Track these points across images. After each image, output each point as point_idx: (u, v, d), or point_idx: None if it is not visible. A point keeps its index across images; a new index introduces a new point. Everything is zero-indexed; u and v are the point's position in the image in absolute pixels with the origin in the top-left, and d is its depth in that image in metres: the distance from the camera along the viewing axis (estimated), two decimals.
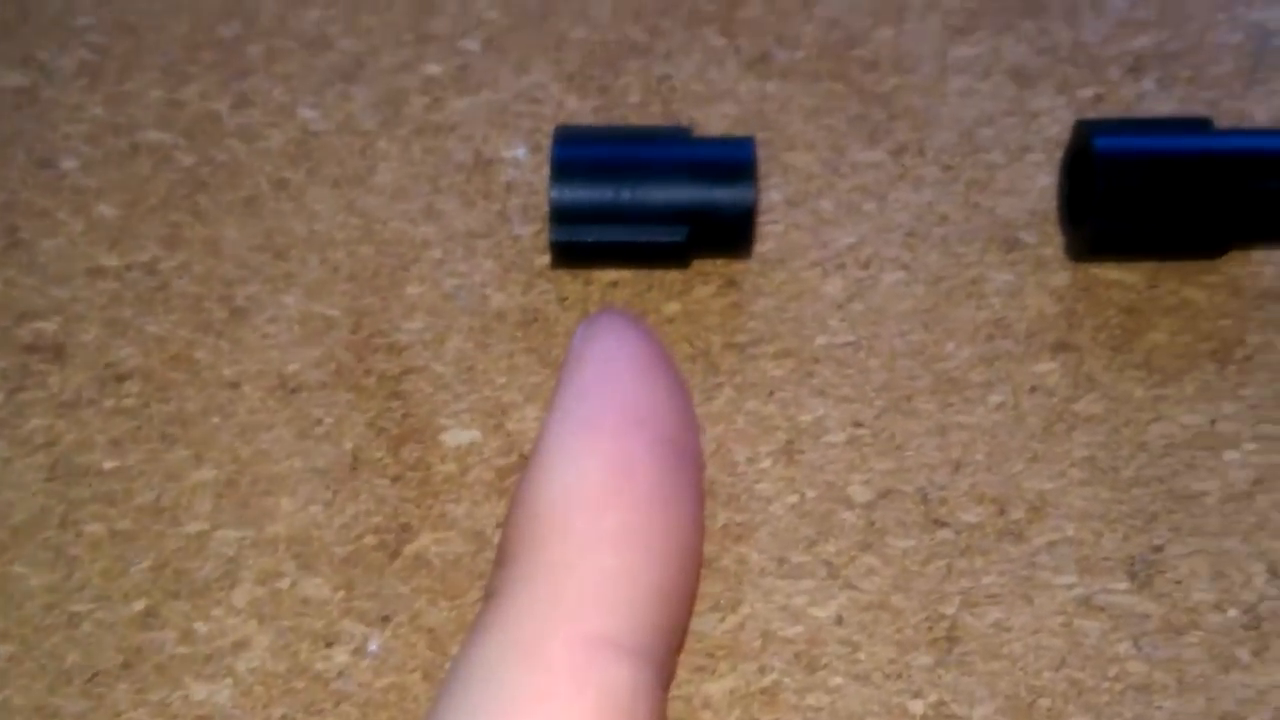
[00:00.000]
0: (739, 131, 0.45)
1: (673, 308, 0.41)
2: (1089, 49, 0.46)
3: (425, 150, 0.44)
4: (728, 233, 0.40)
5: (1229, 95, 0.45)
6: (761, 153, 0.44)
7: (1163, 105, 0.45)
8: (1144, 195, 0.40)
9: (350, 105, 0.45)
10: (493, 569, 0.29)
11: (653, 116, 0.45)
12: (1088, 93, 0.45)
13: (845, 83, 0.46)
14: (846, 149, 0.44)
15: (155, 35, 0.46)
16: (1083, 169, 0.41)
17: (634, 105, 0.45)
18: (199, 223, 0.43)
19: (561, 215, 0.40)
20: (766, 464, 0.39)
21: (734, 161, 0.40)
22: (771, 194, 0.43)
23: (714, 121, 0.45)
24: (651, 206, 0.40)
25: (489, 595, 0.28)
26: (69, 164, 0.44)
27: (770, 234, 0.43)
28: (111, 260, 0.42)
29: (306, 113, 0.45)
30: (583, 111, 0.45)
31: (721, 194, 0.40)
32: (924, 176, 0.44)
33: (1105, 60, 0.46)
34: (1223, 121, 0.44)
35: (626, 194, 0.40)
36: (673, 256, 0.41)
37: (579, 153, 0.40)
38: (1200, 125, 0.41)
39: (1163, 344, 0.40)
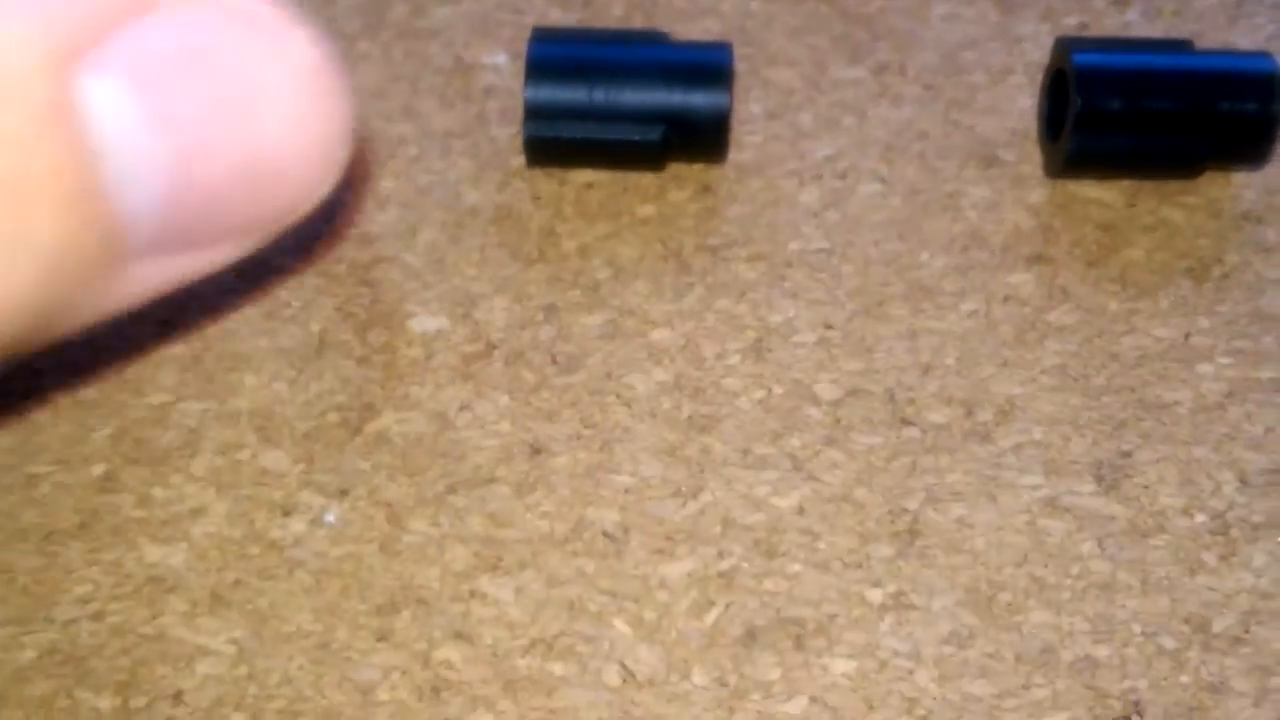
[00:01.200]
0: None
1: (647, 210, 0.41)
2: None
3: (406, 54, 0.44)
4: (703, 136, 0.40)
5: (1213, 27, 0.45)
6: (742, 67, 0.44)
7: (1147, 35, 0.45)
8: (1121, 113, 0.40)
9: (332, 9, 0.45)
10: None
11: (635, 25, 0.45)
12: (1072, 20, 0.45)
13: (829, 4, 0.46)
14: (828, 66, 0.44)
15: None
16: (1062, 86, 0.41)
17: (616, 19, 0.45)
18: None
19: (536, 112, 0.40)
20: (735, 360, 0.38)
21: (711, 65, 0.40)
22: (751, 106, 0.43)
23: (696, 37, 0.45)
24: (627, 107, 0.40)
25: None
26: None
27: (748, 144, 0.43)
28: None
29: None
30: (565, 22, 0.45)
31: (697, 97, 0.40)
32: (904, 95, 0.44)
33: None
34: None
35: (601, 94, 0.40)
36: (647, 157, 0.41)
37: (555, 51, 0.40)
38: (1180, 46, 0.41)
39: (1139, 260, 0.40)
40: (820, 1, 0.46)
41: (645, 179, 0.42)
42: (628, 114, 0.40)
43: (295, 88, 0.25)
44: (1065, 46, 0.41)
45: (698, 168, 0.42)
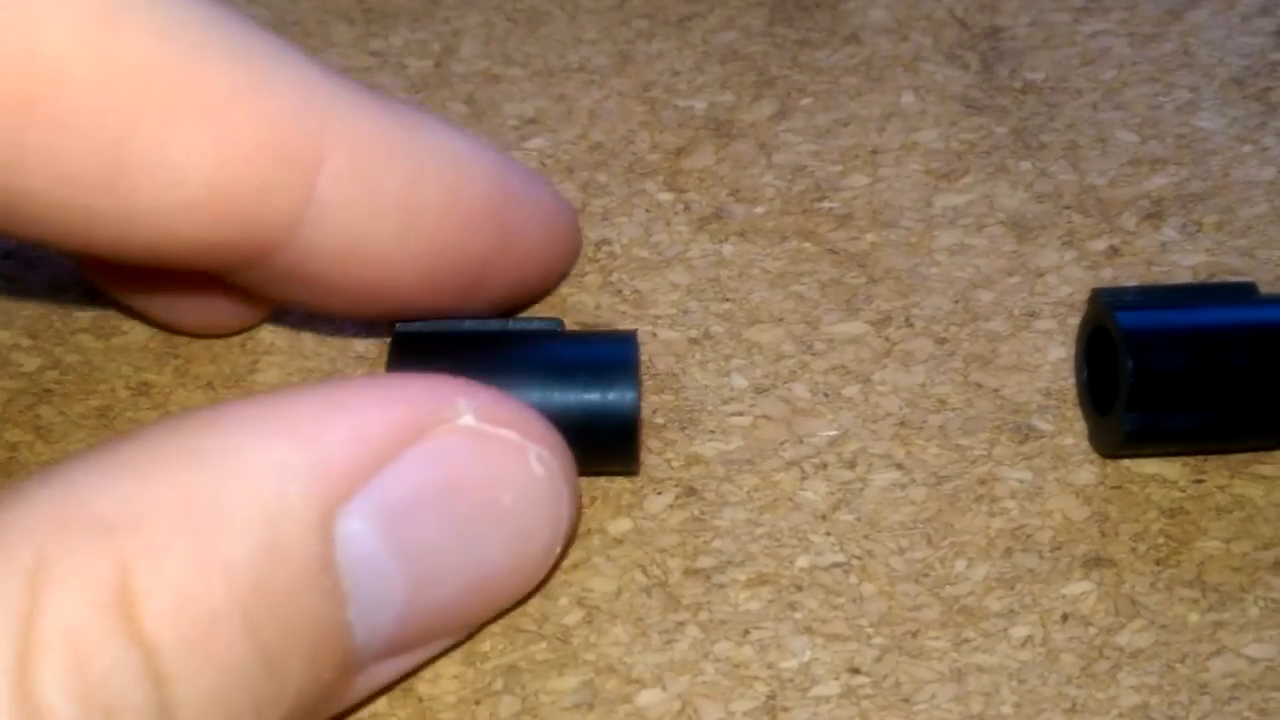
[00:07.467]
0: (692, 302, 0.38)
1: (621, 526, 0.34)
2: (1097, 193, 0.40)
3: (319, 342, 0.37)
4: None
5: (1265, 242, 0.39)
6: (721, 328, 0.37)
7: (1190, 257, 0.38)
8: (1184, 382, 0.33)
9: None
10: None
11: (590, 288, 0.38)
12: (1100, 244, 0.39)
13: (815, 241, 0.39)
14: (820, 321, 0.37)
15: None
16: (1105, 349, 0.35)
17: (568, 276, 0.38)
18: (40, 441, 0.35)
19: None
20: None
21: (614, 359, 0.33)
22: (734, 379, 0.36)
23: (663, 292, 0.38)
24: None
25: None
26: None
27: (735, 428, 0.36)
28: None
29: None
30: None
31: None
32: (914, 352, 0.37)
33: (1117, 205, 0.39)
34: (1261, 273, 0.38)
35: None
36: None
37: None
38: (1242, 292, 0.35)
39: (1217, 555, 0.33)
40: (804, 239, 0.39)
41: (618, 485, 0.35)
42: None
43: (525, 505, 0.28)
44: (1105, 302, 0.34)
45: (680, 466, 0.35)
